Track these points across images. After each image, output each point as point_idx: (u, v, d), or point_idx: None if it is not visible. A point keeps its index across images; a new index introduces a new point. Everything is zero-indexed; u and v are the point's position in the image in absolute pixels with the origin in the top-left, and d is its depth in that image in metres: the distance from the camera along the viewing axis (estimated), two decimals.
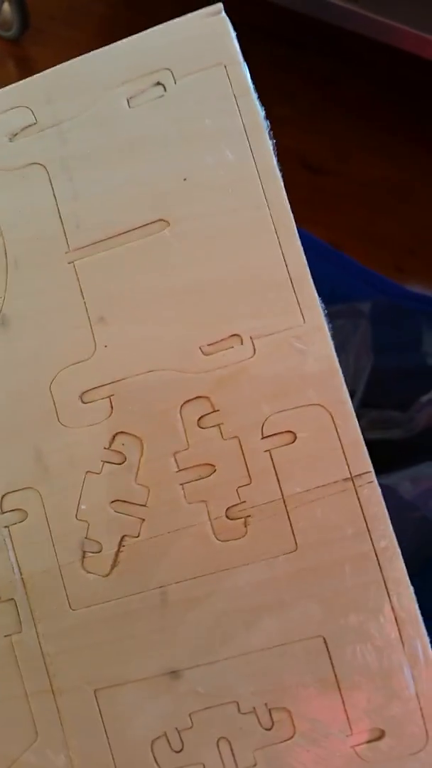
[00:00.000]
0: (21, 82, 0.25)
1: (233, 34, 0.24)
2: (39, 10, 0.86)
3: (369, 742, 0.23)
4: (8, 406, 0.24)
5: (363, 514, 0.23)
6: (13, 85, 0.25)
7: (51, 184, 0.25)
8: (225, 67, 0.25)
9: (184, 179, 0.24)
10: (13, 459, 0.24)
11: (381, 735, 0.23)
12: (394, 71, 0.88)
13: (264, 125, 0.24)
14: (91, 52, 0.25)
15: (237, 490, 0.24)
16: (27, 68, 0.86)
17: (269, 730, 0.24)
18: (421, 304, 0.50)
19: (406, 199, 0.83)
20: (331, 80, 0.89)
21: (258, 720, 0.24)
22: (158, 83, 0.25)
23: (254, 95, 0.24)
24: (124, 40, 0.25)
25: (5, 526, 0.24)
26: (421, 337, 0.49)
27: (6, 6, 0.82)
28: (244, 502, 0.24)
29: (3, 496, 0.24)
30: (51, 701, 0.24)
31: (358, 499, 0.23)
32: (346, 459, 0.23)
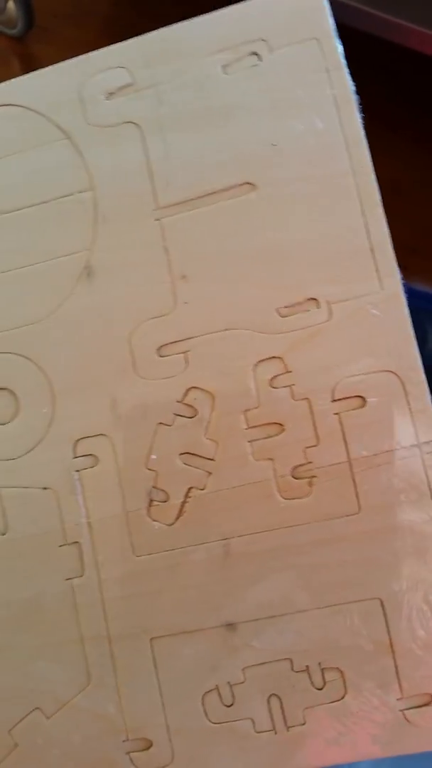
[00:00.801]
0: (119, 44, 0.27)
1: (328, 10, 0.25)
2: (43, 9, 0.87)
3: (419, 707, 0.24)
4: (88, 355, 0.26)
5: (428, 480, 0.24)
6: (112, 46, 0.27)
7: (144, 143, 0.26)
8: (319, 41, 0.26)
9: (273, 145, 0.25)
10: (89, 406, 0.25)
11: (431, 701, 0.23)
12: (397, 69, 0.89)
13: (354, 98, 0.25)
14: (190, 20, 0.26)
15: (304, 450, 0.24)
16: (31, 66, 0.87)
17: (321, 689, 0.24)
18: (425, 302, 0.51)
19: (408, 196, 0.83)
20: None
21: (310, 678, 0.24)
22: (254, 53, 0.26)
23: (346, 69, 0.25)
24: (223, 10, 0.26)
25: (76, 471, 0.25)
26: (426, 336, 0.49)
27: (11, 4, 0.83)
28: (311, 462, 0.24)
29: (76, 441, 0.25)
30: (106, 647, 0.25)
31: (424, 465, 0.24)
32: (414, 426, 0.24)
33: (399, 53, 0.73)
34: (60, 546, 0.25)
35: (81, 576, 0.25)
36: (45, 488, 0.26)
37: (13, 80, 0.27)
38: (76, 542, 0.25)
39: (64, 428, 0.26)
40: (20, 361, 0.26)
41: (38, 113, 0.27)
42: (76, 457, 0.26)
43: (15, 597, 0.25)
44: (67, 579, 0.25)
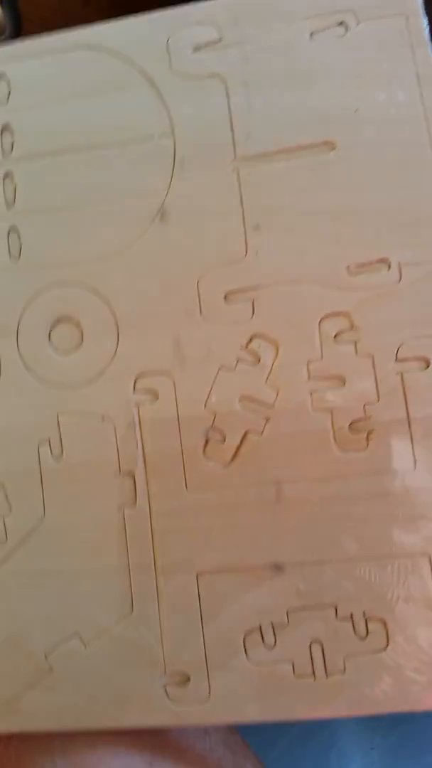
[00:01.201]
0: (210, 1, 0.28)
1: None
2: (31, 15, 0.90)
3: None
4: (155, 295, 0.26)
5: None
6: (202, 2, 0.28)
7: (227, 96, 0.27)
8: (407, 18, 0.27)
9: (355, 110, 0.26)
10: (154, 344, 0.26)
11: None
12: None
13: None
14: None
15: (364, 406, 0.25)
16: None
17: (363, 639, 0.25)
18: None
19: None
20: None
21: (354, 627, 0.25)
22: (341, 23, 0.27)
23: (430, 47, 0.27)
24: None
25: (135, 405, 0.26)
26: None
27: None
28: (370, 417, 0.25)
29: (137, 377, 0.26)
30: (152, 578, 0.26)
31: None
32: None
33: None
34: (114, 476, 0.26)
35: (133, 506, 0.26)
36: (103, 419, 0.26)
37: (97, 25, 0.28)
38: (131, 473, 0.26)
39: (126, 363, 0.26)
40: (88, 294, 0.27)
41: (123, 59, 0.28)
42: (136, 392, 0.26)
43: (65, 522, 0.26)
44: (119, 508, 0.26)
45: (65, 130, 0.28)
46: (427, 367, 0.25)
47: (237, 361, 0.26)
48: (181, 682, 0.25)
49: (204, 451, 0.26)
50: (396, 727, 0.47)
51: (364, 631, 0.25)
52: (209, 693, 0.25)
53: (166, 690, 0.25)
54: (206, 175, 0.27)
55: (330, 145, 0.27)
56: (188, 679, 0.25)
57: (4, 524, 0.26)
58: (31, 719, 0.26)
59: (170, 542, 0.26)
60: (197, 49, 0.28)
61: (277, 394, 0.26)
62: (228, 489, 0.26)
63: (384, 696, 0.25)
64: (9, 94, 0.28)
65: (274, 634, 0.25)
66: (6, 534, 0.26)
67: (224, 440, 0.26)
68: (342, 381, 0.26)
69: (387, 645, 0.25)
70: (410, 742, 0.47)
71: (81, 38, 0.28)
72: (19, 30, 0.93)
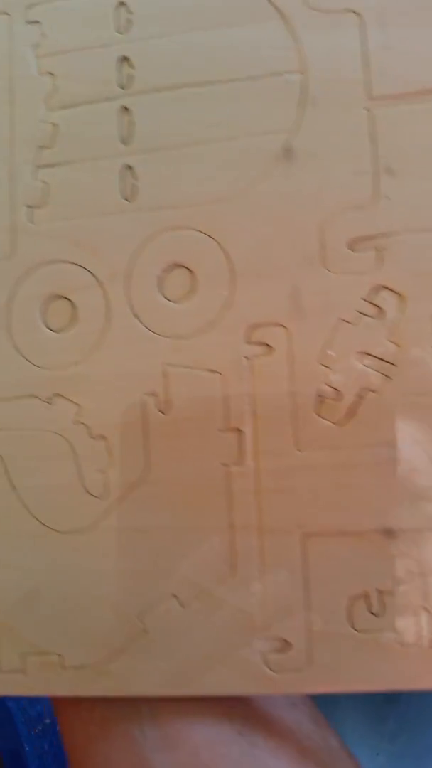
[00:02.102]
0: None
1: None
2: None
3: None
4: (274, 241, 0.25)
5: None
6: None
7: (364, 33, 0.25)
8: None
9: None
10: (269, 294, 0.25)
11: None
12: None
13: None
14: None
15: None
16: None
17: None
18: None
19: None
20: None
21: None
22: None
23: None
24: None
25: (246, 357, 0.25)
26: None
27: None
28: None
29: (251, 328, 0.25)
30: (256, 539, 0.25)
31: None
32: None
33: None
34: (221, 431, 0.25)
35: (240, 464, 0.25)
36: (212, 371, 0.25)
37: None
38: (239, 429, 0.25)
39: (240, 313, 0.25)
40: (202, 238, 0.26)
41: None
42: (249, 344, 0.25)
43: (167, 477, 0.25)
44: (224, 465, 0.25)
45: (187, 62, 0.26)
46: None
47: (358, 314, 0.25)
48: (281, 649, 0.25)
49: (317, 408, 0.25)
50: (402, 733, 0.46)
51: None
52: (309, 660, 0.24)
53: (264, 656, 0.24)
54: (337, 115, 0.25)
55: None
56: (289, 646, 0.24)
57: (106, 477, 0.25)
58: (122, 683, 0.25)
59: (277, 502, 0.25)
60: None
61: (400, 351, 0.24)
62: (341, 449, 0.24)
63: None
64: (129, 22, 0.27)
65: (382, 602, 0.24)
66: (107, 487, 0.25)
67: (340, 398, 0.24)
68: None
69: None
70: (416, 747, 0.46)
71: None
72: None
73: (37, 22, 0.28)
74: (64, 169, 0.27)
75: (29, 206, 0.27)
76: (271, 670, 0.25)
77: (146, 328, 0.26)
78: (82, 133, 0.27)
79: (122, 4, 0.28)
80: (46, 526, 0.26)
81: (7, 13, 0.28)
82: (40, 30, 0.28)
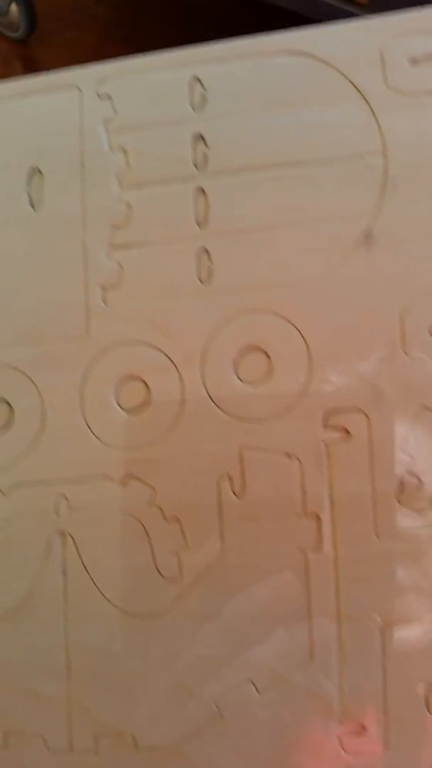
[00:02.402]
0: (425, 10, 0.26)
1: None
2: (45, 12, 0.91)
3: None
4: (354, 325, 0.25)
5: None
6: (420, 10, 0.25)
7: None
8: None
9: None
10: (348, 378, 0.25)
11: None
12: None
13: None
14: None
15: None
16: (33, 69, 0.90)
17: None
18: None
19: None
20: None
21: None
22: None
23: None
24: None
25: (324, 442, 0.25)
26: None
27: (13, 7, 0.86)
28: None
29: (329, 413, 0.25)
30: (334, 626, 0.25)
31: None
32: None
33: None
34: (298, 516, 0.25)
35: (317, 550, 0.25)
36: (289, 455, 0.25)
37: (306, 29, 0.26)
38: (316, 515, 0.25)
39: (318, 398, 0.25)
40: (279, 321, 0.26)
41: (333, 67, 0.26)
42: (327, 429, 0.25)
43: (243, 561, 0.25)
44: (302, 551, 0.25)
45: (264, 143, 0.26)
46: None
47: None
48: (358, 733, 0.25)
49: (398, 496, 0.24)
50: None
51: None
52: (386, 745, 0.24)
53: (341, 740, 0.25)
54: (421, 199, 0.25)
55: None
56: (365, 730, 0.24)
57: (179, 560, 0.25)
58: (196, 766, 0.25)
59: (356, 590, 0.25)
60: (415, 62, 0.26)
61: None
62: (423, 537, 0.24)
63: None
64: (203, 98, 0.27)
65: None
66: (181, 571, 0.25)
67: (421, 486, 0.24)
68: None
69: None
70: None
71: (285, 42, 0.27)
72: (33, 27, 0.93)
73: (108, 96, 0.28)
74: (138, 250, 0.27)
75: (103, 287, 0.27)
76: (347, 753, 0.25)
77: (221, 410, 0.26)
78: (157, 213, 0.27)
79: (196, 79, 0.27)
80: (120, 608, 0.26)
81: (77, 87, 0.28)
82: (112, 104, 0.28)
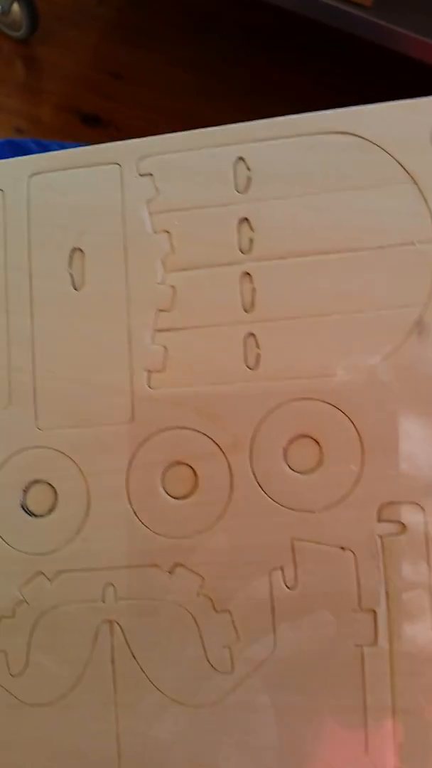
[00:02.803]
0: None
1: None
2: (48, 11, 0.92)
3: None
4: (407, 417, 0.24)
5: None
6: None
7: None
8: None
9: None
10: (403, 470, 0.25)
11: None
12: (407, 80, 0.89)
13: None
14: None
15: None
16: (35, 68, 0.91)
17: None
18: None
19: None
20: (342, 87, 0.91)
21: None
22: None
23: None
24: None
25: (379, 535, 0.24)
26: None
27: (15, 7, 0.86)
28: None
29: (383, 505, 0.24)
30: (389, 719, 0.24)
31: None
32: None
33: (408, 64, 0.75)
34: (353, 610, 0.24)
35: (373, 645, 0.24)
36: (343, 548, 0.24)
37: (351, 108, 0.26)
38: (372, 610, 0.24)
39: (372, 489, 0.25)
40: (330, 410, 0.25)
41: (382, 149, 0.25)
42: (381, 522, 0.24)
43: (296, 654, 0.25)
44: (357, 645, 0.24)
45: (312, 227, 0.26)
46: None
47: None
48: None
49: None
50: None
51: None
52: None
53: None
54: None
55: None
56: None
57: (231, 653, 0.25)
58: None
59: (412, 684, 0.25)
60: None
61: None
62: None
63: None
64: (248, 180, 0.26)
65: None
66: (232, 663, 0.25)
67: None
68: None
69: None
70: None
71: (332, 121, 0.26)
72: (35, 26, 0.93)
73: (149, 174, 0.27)
74: (183, 333, 0.27)
75: (148, 370, 0.27)
76: None
77: (272, 499, 0.26)
78: (203, 297, 0.27)
79: (241, 159, 0.27)
80: (170, 697, 0.26)
81: (117, 164, 0.28)
82: (153, 182, 0.27)
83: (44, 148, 0.56)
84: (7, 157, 0.28)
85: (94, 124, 0.88)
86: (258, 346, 0.26)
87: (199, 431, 0.26)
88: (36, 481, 0.27)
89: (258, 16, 0.88)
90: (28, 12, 0.88)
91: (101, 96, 0.89)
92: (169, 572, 0.26)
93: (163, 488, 0.27)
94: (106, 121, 0.88)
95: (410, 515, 0.25)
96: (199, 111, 0.87)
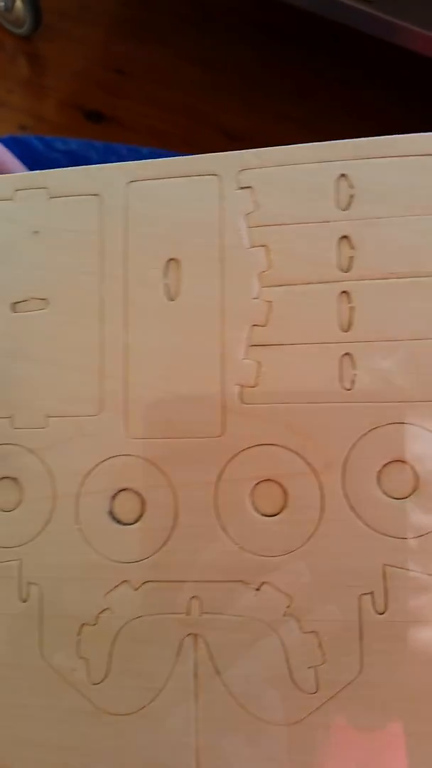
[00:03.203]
0: None
1: None
2: (51, 8, 0.92)
3: None
4: None
5: None
6: None
7: None
8: None
9: None
10: None
11: None
12: (409, 74, 0.88)
13: None
14: None
15: None
16: (38, 64, 0.92)
17: None
18: None
19: None
20: (344, 82, 0.90)
21: None
22: None
23: None
24: None
25: None
26: None
27: (18, 3, 0.86)
28: None
29: None
30: None
31: None
32: None
33: (413, 60, 0.74)
34: None
35: None
36: None
37: None
38: None
39: None
40: (428, 436, 0.25)
41: None
42: None
43: (383, 679, 0.25)
44: None
45: (416, 248, 0.25)
46: None
47: None
48: None
49: None
50: None
51: None
52: None
53: None
54: None
55: None
56: None
57: (316, 674, 0.25)
58: None
59: None
60: None
61: None
62: None
63: None
64: (350, 197, 0.26)
65: None
66: (317, 684, 0.25)
67: None
68: None
69: None
70: None
71: None
72: (38, 23, 0.93)
73: (249, 187, 0.27)
74: (278, 350, 0.26)
75: (241, 385, 0.27)
76: None
77: (364, 523, 0.25)
78: (299, 314, 0.26)
79: (343, 176, 0.26)
80: (254, 714, 0.26)
81: (216, 174, 0.28)
82: (253, 197, 0.27)
83: (47, 145, 0.56)
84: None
85: (98, 121, 0.88)
86: (354, 367, 0.26)
87: (290, 449, 0.26)
88: (124, 489, 0.27)
89: (265, 11, 0.88)
90: (31, 8, 0.89)
91: (105, 92, 0.89)
92: (256, 589, 0.26)
93: (252, 504, 0.26)
94: (110, 118, 0.88)
95: None
96: (203, 107, 0.86)
